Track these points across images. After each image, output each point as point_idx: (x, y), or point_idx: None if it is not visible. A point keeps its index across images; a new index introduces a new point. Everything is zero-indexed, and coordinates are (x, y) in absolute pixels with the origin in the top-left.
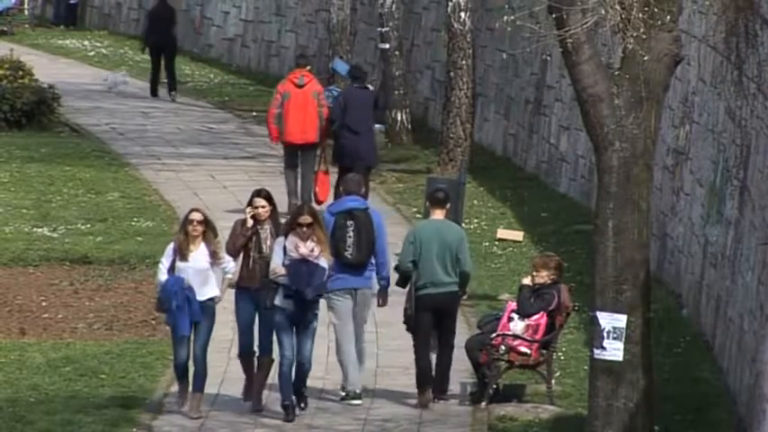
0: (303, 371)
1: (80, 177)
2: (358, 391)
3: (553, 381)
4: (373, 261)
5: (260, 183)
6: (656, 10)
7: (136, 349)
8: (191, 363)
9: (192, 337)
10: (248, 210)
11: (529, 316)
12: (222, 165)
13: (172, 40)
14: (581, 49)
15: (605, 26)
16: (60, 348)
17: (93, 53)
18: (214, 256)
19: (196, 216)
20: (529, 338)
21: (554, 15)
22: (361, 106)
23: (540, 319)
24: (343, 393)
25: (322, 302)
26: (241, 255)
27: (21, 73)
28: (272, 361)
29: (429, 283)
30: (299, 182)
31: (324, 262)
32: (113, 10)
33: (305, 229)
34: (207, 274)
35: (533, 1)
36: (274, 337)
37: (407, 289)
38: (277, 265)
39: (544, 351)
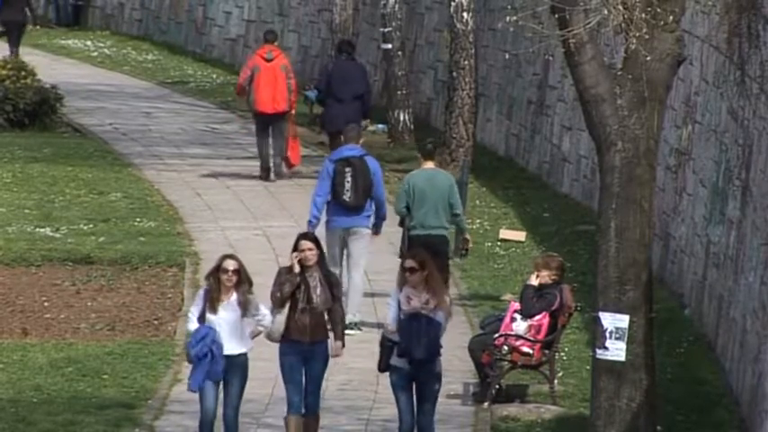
0: None
1: (82, 177)
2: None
3: (556, 381)
4: (371, 205)
5: (261, 182)
6: (658, 10)
7: (138, 350)
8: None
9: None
10: (294, 255)
11: (531, 316)
12: (225, 165)
13: (23, 18)
14: (583, 49)
15: (608, 26)
16: (62, 349)
17: (95, 53)
18: (243, 306)
19: (231, 265)
20: (531, 339)
21: (557, 15)
22: (346, 76)
23: (543, 319)
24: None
25: None
26: (287, 305)
27: (23, 73)
28: (318, 420)
29: (419, 225)
30: (271, 150)
31: (440, 316)
32: (116, 10)
33: (408, 274)
34: (239, 326)
35: (536, 1)
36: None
37: (402, 230)
38: (389, 321)
39: (546, 351)
